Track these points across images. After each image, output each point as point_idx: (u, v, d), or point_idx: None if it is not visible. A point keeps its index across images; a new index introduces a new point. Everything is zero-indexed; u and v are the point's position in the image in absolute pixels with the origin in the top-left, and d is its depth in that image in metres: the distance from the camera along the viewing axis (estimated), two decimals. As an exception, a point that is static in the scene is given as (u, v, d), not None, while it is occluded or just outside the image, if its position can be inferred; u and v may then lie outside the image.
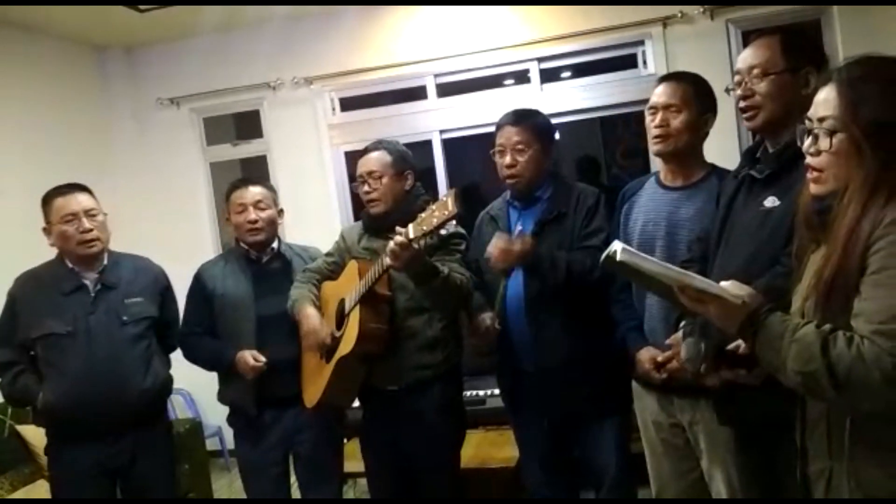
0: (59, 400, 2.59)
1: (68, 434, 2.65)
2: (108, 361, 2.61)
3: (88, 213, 2.66)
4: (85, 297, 2.66)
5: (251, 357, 2.68)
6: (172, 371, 2.89)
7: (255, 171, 4.95)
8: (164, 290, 2.85)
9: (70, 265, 2.70)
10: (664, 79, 2.37)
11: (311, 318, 2.60)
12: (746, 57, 1.92)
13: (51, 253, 2.81)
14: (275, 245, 2.89)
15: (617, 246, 1.43)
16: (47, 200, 2.69)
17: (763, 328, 1.33)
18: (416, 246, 2.25)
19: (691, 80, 2.34)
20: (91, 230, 2.64)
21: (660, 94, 2.31)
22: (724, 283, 1.41)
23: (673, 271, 1.42)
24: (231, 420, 2.90)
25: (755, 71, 1.88)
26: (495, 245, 2.42)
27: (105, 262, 2.73)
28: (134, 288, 2.73)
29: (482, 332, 2.58)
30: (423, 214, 2.22)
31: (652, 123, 2.31)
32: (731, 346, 1.50)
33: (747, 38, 4.14)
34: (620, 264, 1.41)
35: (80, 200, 2.67)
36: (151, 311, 2.75)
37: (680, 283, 1.39)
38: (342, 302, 2.60)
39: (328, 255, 2.82)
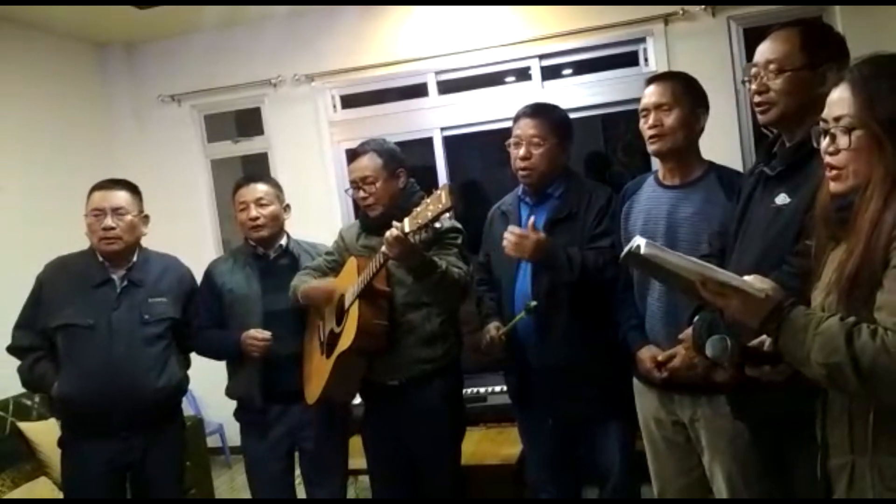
0: (73, 392, 2.62)
1: (82, 428, 2.67)
2: (125, 358, 2.62)
3: (116, 211, 2.68)
4: (111, 291, 2.69)
5: (256, 332, 2.70)
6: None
7: (257, 168, 4.95)
8: (190, 292, 2.87)
9: (101, 258, 2.72)
10: (652, 80, 2.37)
11: (314, 283, 2.63)
12: (764, 50, 1.88)
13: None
14: (283, 242, 2.91)
15: (640, 240, 1.41)
16: (90, 191, 2.74)
17: (787, 321, 1.33)
18: (411, 239, 2.26)
19: (679, 78, 2.35)
20: (113, 228, 2.66)
21: (650, 95, 2.31)
22: (746, 277, 1.41)
23: (696, 265, 1.41)
24: (238, 414, 2.92)
25: (771, 66, 1.84)
26: (510, 236, 2.41)
27: (134, 259, 2.76)
28: (159, 287, 2.76)
29: (486, 343, 2.59)
30: (417, 209, 2.23)
31: (646, 125, 2.31)
32: (755, 342, 1.49)
33: (749, 36, 4.14)
34: (643, 259, 1.41)
35: (112, 197, 2.70)
36: (173, 313, 2.76)
37: (702, 277, 1.39)
38: (342, 298, 2.60)
39: (328, 253, 2.83)
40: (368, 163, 2.63)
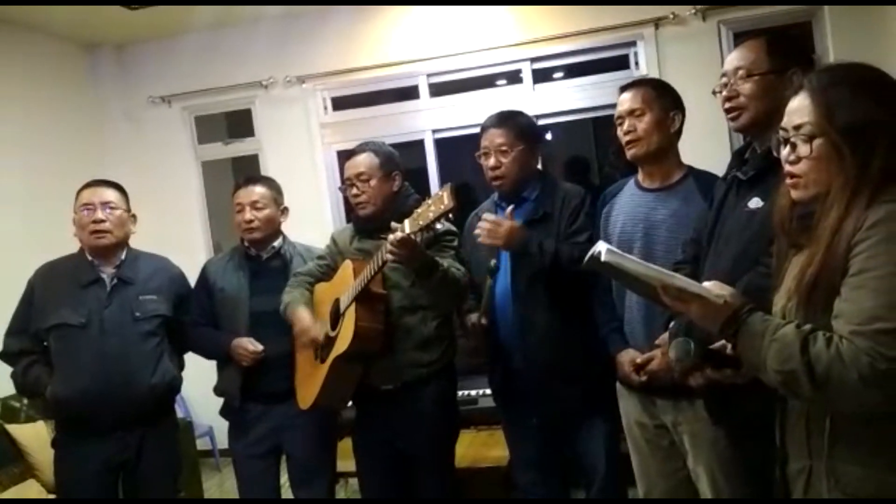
0: (67, 392, 2.62)
1: (76, 428, 2.68)
2: (118, 356, 2.63)
3: (106, 205, 2.70)
4: (101, 290, 2.70)
5: (248, 343, 2.72)
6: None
7: (247, 170, 4.93)
8: (181, 292, 2.88)
9: (90, 258, 2.74)
10: (624, 88, 2.41)
11: (303, 318, 2.62)
12: (732, 59, 1.95)
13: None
14: (276, 243, 2.91)
15: (601, 246, 1.43)
16: (78, 192, 2.76)
17: (744, 327, 1.35)
18: (413, 239, 2.25)
19: (651, 83, 2.41)
20: (103, 221, 2.68)
21: (623, 102, 2.36)
22: (706, 284, 1.42)
23: (655, 271, 1.43)
24: (223, 411, 2.94)
25: (740, 72, 1.91)
26: (484, 223, 2.43)
27: (123, 257, 2.77)
28: (150, 285, 2.77)
29: (469, 330, 2.61)
30: (419, 210, 2.22)
31: (621, 131, 2.35)
32: (717, 345, 1.51)
33: (739, 40, 4.15)
34: (604, 264, 1.42)
35: (101, 193, 2.73)
36: (164, 310, 2.77)
37: (662, 283, 1.41)
38: (337, 302, 2.59)
39: (320, 258, 2.82)
40: (365, 160, 2.63)
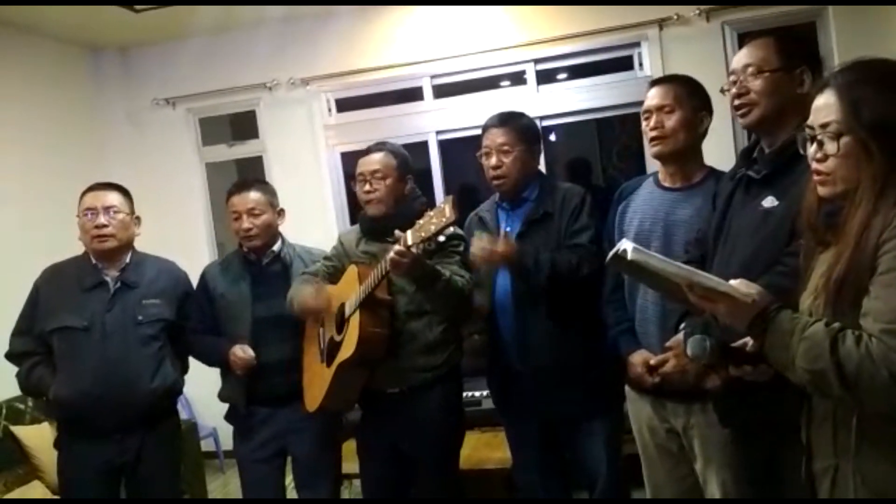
0: (68, 394, 2.63)
1: (77, 429, 2.69)
2: (119, 360, 2.65)
3: (109, 210, 2.71)
4: (104, 293, 2.71)
5: (240, 350, 2.71)
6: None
7: (251, 172, 4.95)
8: (185, 296, 2.88)
9: (94, 261, 2.75)
10: (655, 82, 2.38)
11: (308, 292, 2.61)
12: (741, 57, 1.94)
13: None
14: (275, 248, 2.90)
15: (627, 245, 1.41)
16: (81, 196, 2.77)
17: (772, 326, 1.34)
18: (414, 251, 2.25)
19: (682, 80, 2.36)
20: (105, 226, 2.69)
21: (652, 97, 2.32)
22: (733, 282, 1.41)
23: (682, 269, 1.41)
24: (228, 416, 2.94)
25: (750, 69, 1.89)
26: (478, 245, 2.41)
27: (128, 260, 2.78)
28: (153, 289, 2.77)
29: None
30: (420, 221, 2.22)
31: (648, 127, 2.31)
32: (738, 343, 1.50)
33: (743, 40, 4.15)
34: (629, 263, 1.40)
35: (104, 197, 2.73)
36: (167, 314, 2.78)
37: (689, 282, 1.39)
38: (342, 306, 2.59)
39: (327, 258, 2.83)
40: (382, 159, 2.64)
